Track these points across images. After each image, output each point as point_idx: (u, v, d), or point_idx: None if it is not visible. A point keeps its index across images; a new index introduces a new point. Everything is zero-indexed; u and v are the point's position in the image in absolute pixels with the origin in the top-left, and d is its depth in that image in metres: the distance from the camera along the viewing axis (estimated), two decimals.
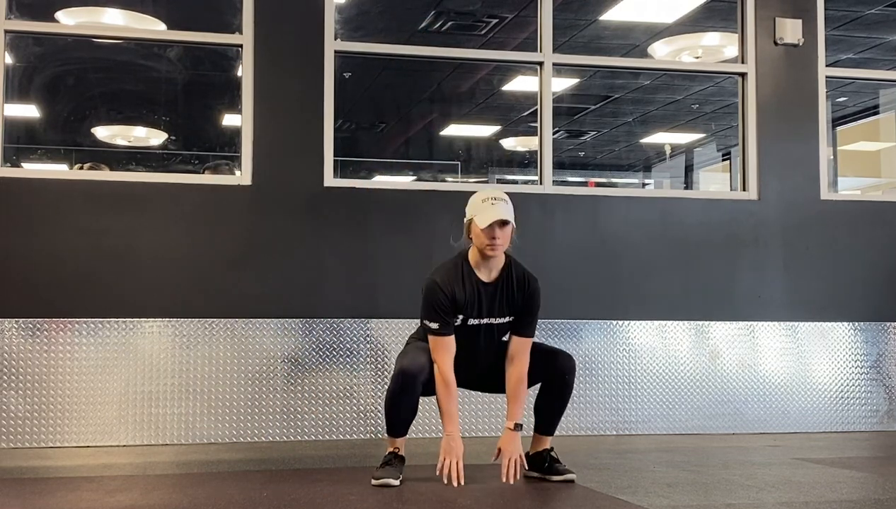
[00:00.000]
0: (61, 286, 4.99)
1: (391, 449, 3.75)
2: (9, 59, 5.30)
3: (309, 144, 5.31)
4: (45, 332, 4.92)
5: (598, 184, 11.63)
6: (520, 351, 3.73)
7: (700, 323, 5.65)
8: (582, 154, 13.00)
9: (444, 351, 3.64)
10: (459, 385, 3.73)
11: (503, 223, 3.59)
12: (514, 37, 7.80)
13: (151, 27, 6.52)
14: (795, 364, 5.72)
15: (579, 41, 8.00)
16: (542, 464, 3.81)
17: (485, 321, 3.71)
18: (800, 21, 5.89)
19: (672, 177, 13.05)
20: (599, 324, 5.53)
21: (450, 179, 11.24)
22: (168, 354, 5.03)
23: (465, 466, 3.96)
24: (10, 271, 4.95)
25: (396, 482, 3.61)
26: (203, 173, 6.50)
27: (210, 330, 5.08)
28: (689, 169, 12.75)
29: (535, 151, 5.76)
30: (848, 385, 5.76)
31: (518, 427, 3.68)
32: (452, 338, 3.66)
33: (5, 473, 4.07)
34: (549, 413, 3.83)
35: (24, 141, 9.32)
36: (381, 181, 10.17)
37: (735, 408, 5.62)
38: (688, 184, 12.76)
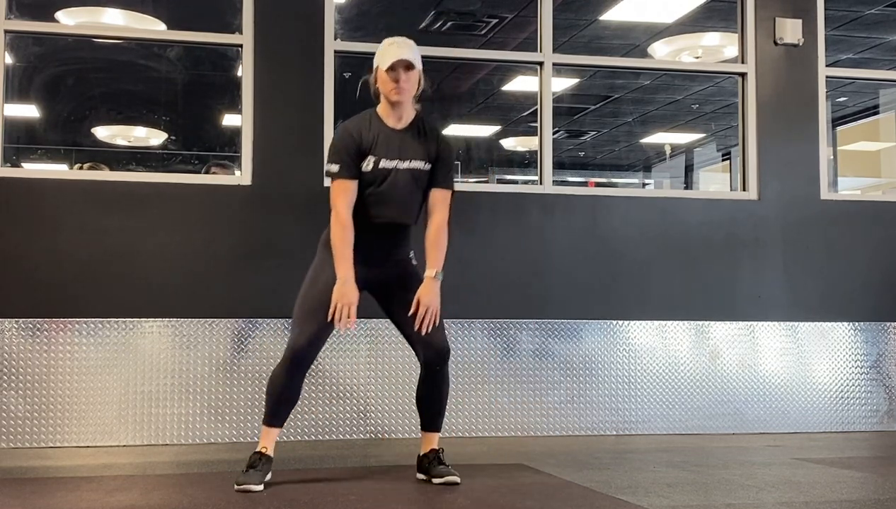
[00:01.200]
0: (61, 286, 4.99)
1: (258, 450, 3.64)
2: (9, 59, 5.30)
3: (309, 144, 5.31)
4: (45, 332, 4.92)
5: (598, 184, 11.63)
6: (438, 201, 3.70)
7: (700, 323, 5.65)
8: (582, 154, 13.00)
9: (343, 193, 3.58)
10: (374, 229, 3.65)
11: (408, 66, 3.56)
12: (514, 37, 7.80)
13: (151, 27, 6.52)
14: (795, 364, 5.72)
15: (579, 41, 8.01)
16: (425, 465, 3.74)
17: (397, 164, 3.63)
18: (800, 21, 5.89)
19: (672, 177, 13.05)
20: (599, 324, 5.53)
21: None
22: (168, 354, 5.03)
23: (466, 465, 3.97)
24: (10, 271, 4.96)
25: (259, 487, 3.50)
26: (211, 171, 6.48)
27: (210, 330, 5.08)
28: (689, 169, 12.75)
29: (535, 151, 5.76)
30: (848, 385, 5.76)
31: (438, 275, 3.65)
32: (353, 183, 3.59)
33: (5, 473, 4.07)
34: (427, 405, 3.76)
35: (24, 141, 9.32)
36: None
37: (735, 408, 5.62)
38: (688, 184, 12.76)
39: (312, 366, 5.16)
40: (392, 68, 3.55)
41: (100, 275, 5.03)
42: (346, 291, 3.53)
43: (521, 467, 4.17)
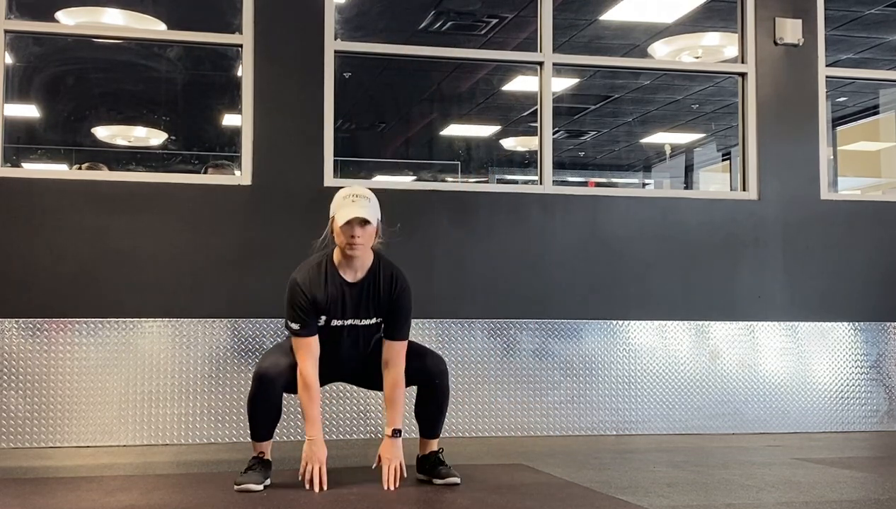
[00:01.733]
0: (61, 286, 4.99)
1: (255, 454, 3.66)
2: (9, 59, 5.30)
3: (309, 144, 5.31)
4: (45, 332, 4.92)
5: (598, 184, 11.64)
6: (393, 355, 3.61)
7: (700, 323, 5.65)
8: (582, 154, 13.00)
9: (305, 352, 3.53)
10: (332, 380, 3.71)
11: (363, 223, 3.46)
12: (514, 37, 7.80)
13: (151, 27, 6.52)
14: (795, 364, 5.72)
15: (579, 41, 8.01)
16: (426, 466, 3.74)
17: (349, 322, 3.59)
18: (800, 21, 5.89)
19: (672, 177, 13.05)
20: (599, 324, 5.53)
21: (450, 179, 11.25)
22: (168, 354, 5.03)
23: (466, 465, 3.97)
24: (10, 271, 4.96)
25: (259, 487, 3.51)
26: (207, 172, 6.49)
27: (210, 330, 5.08)
28: (689, 169, 12.76)
29: (535, 151, 5.76)
30: (848, 385, 5.76)
31: (397, 433, 3.60)
32: (314, 339, 3.54)
33: (5, 473, 4.07)
34: (427, 418, 3.73)
35: (24, 141, 9.33)
36: (381, 181, 10.18)
37: (735, 408, 5.62)
38: (688, 184, 12.76)
39: None
40: (348, 223, 3.46)
41: (100, 275, 5.03)
42: (314, 451, 3.54)
43: (521, 467, 4.17)
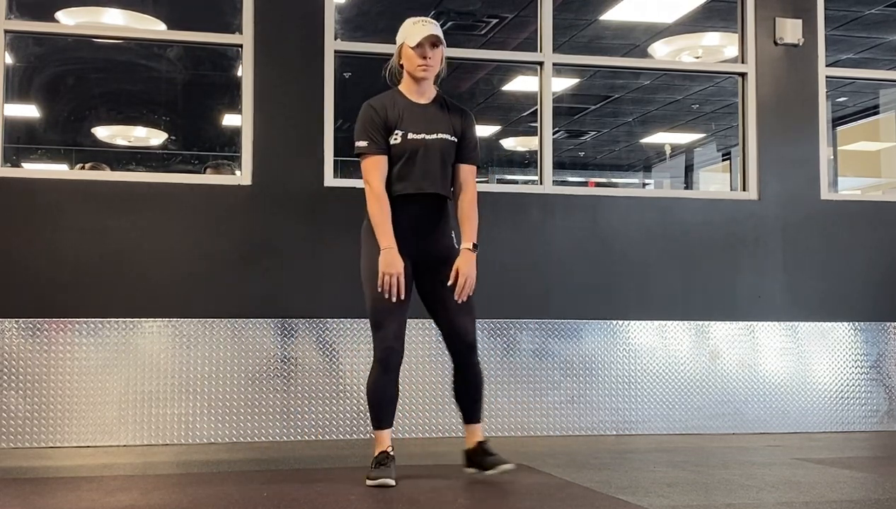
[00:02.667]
0: (61, 286, 4.99)
1: (382, 449, 3.70)
2: (9, 59, 5.30)
3: (309, 144, 5.31)
4: (45, 332, 4.92)
5: (598, 184, 11.64)
6: (468, 177, 3.78)
7: (700, 323, 5.65)
8: (582, 154, 13.01)
9: (374, 169, 3.65)
10: (413, 190, 3.68)
11: (434, 44, 3.66)
12: (514, 37, 7.80)
13: (151, 27, 6.53)
14: (795, 364, 5.72)
15: (579, 41, 8.01)
16: (475, 459, 3.77)
17: (425, 136, 3.69)
18: (800, 21, 5.89)
19: (672, 177, 13.06)
20: (599, 324, 5.53)
21: None
22: (168, 354, 5.03)
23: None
24: (10, 271, 4.96)
25: (392, 481, 3.58)
26: (206, 172, 6.50)
27: (210, 330, 5.08)
28: (689, 169, 12.76)
29: (535, 151, 5.76)
30: (848, 385, 5.76)
31: (475, 247, 3.71)
32: (382, 157, 3.66)
33: (5, 473, 4.07)
34: (463, 397, 3.82)
35: (24, 141, 9.33)
36: None
37: (735, 408, 5.62)
38: (688, 184, 12.77)
39: (313, 365, 5.18)
40: (419, 45, 3.63)
41: (100, 275, 5.03)
42: (390, 260, 3.58)
43: (521, 467, 4.17)
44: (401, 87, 3.77)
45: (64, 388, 4.91)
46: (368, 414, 3.77)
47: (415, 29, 3.67)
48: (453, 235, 3.82)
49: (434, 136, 3.70)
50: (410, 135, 3.68)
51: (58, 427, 4.88)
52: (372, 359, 3.71)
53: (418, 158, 3.68)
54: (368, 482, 3.59)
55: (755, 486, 3.68)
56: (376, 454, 3.70)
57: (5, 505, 3.30)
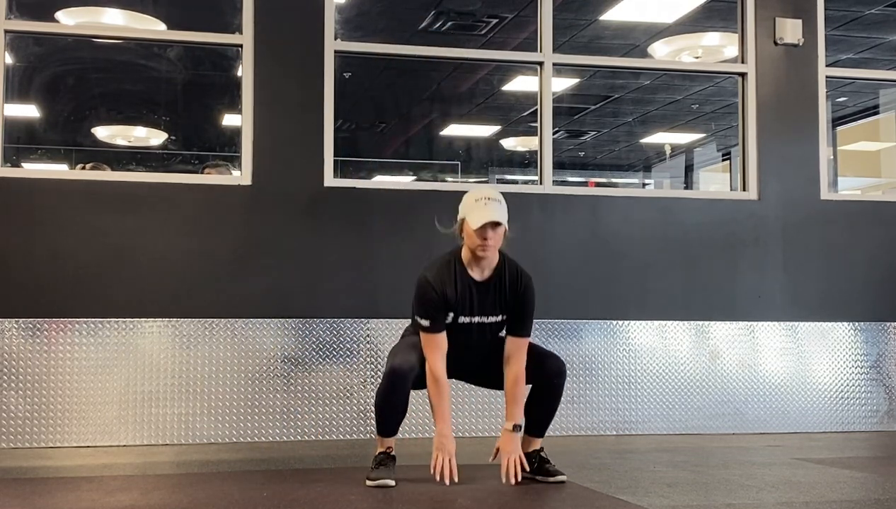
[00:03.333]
0: (61, 286, 4.99)
1: (383, 449, 3.72)
2: (9, 59, 5.30)
3: (309, 144, 5.31)
4: (45, 332, 4.92)
5: (598, 184, 11.63)
6: (515, 351, 3.70)
7: (700, 323, 5.65)
8: (582, 154, 13.01)
9: (435, 348, 3.62)
10: (453, 377, 3.73)
11: (495, 225, 3.56)
12: (514, 37, 7.80)
13: (151, 27, 6.52)
14: (795, 364, 5.72)
15: (579, 41, 8.01)
16: (531, 465, 3.77)
17: (476, 319, 3.68)
18: (800, 21, 5.89)
19: (672, 177, 13.05)
20: (599, 324, 5.53)
21: (450, 179, 11.25)
22: (168, 354, 5.03)
23: (465, 465, 3.96)
24: (10, 271, 4.96)
25: (392, 482, 3.59)
26: (204, 172, 6.49)
27: (210, 330, 5.08)
28: (689, 169, 12.76)
29: (535, 151, 5.76)
30: (848, 385, 5.76)
31: (517, 428, 3.66)
32: (443, 335, 3.64)
33: (5, 473, 4.07)
34: (538, 416, 3.79)
35: (24, 141, 9.33)
36: (381, 181, 10.17)
37: (735, 408, 5.62)
38: (688, 184, 12.76)
39: (313, 365, 5.18)
40: (482, 227, 3.54)
41: (100, 275, 5.03)
42: (444, 444, 3.61)
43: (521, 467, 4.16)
44: (462, 255, 3.69)
45: (64, 388, 4.91)
46: (374, 418, 3.76)
47: (476, 208, 3.56)
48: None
49: (484, 318, 3.70)
50: (461, 319, 3.67)
51: (58, 427, 4.88)
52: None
53: (468, 340, 3.70)
54: (368, 482, 3.60)
55: (755, 486, 3.68)
56: (377, 453, 3.72)
57: (5, 505, 3.30)
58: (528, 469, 3.69)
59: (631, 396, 5.51)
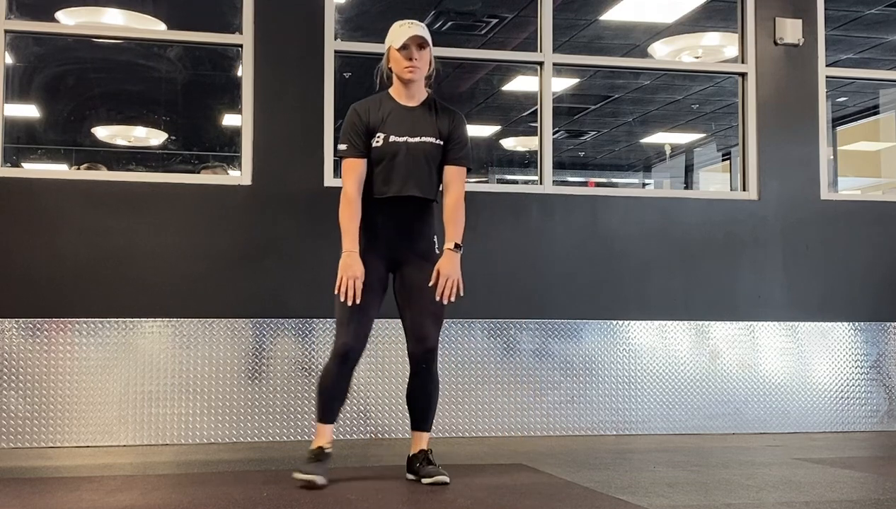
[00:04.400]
0: (61, 286, 4.99)
1: (320, 445, 3.67)
2: (9, 59, 5.30)
3: (309, 144, 5.32)
4: (45, 332, 4.92)
5: (598, 184, 11.63)
6: (453, 178, 3.73)
7: (700, 323, 5.65)
8: (582, 154, 12.99)
9: (351, 171, 3.65)
10: (394, 193, 3.67)
11: (420, 45, 3.64)
12: (514, 37, 7.79)
13: (151, 27, 6.52)
14: (795, 364, 5.72)
15: (579, 41, 8.00)
16: (415, 465, 3.74)
17: (410, 140, 3.67)
18: (800, 21, 5.90)
19: (672, 177, 13.04)
20: (599, 324, 5.53)
21: None
22: (168, 354, 5.03)
23: (466, 465, 3.97)
24: (10, 271, 4.96)
25: (323, 480, 3.54)
26: (200, 174, 6.50)
27: (210, 330, 5.08)
28: (689, 169, 12.75)
29: (535, 151, 5.76)
30: (848, 385, 5.76)
31: (457, 247, 3.66)
32: (362, 161, 3.66)
33: (5, 473, 4.07)
34: (414, 403, 3.80)
35: (24, 141, 9.32)
36: None
37: (735, 408, 5.62)
38: (688, 184, 12.75)
39: (312, 366, 5.18)
40: (405, 46, 3.62)
41: (100, 275, 5.03)
42: (350, 263, 3.58)
43: (521, 467, 4.17)
44: (391, 90, 3.76)
45: (64, 388, 4.91)
46: (315, 404, 3.75)
47: (401, 31, 3.66)
48: (435, 239, 3.79)
49: (417, 139, 3.69)
50: (392, 138, 3.67)
51: (58, 427, 4.88)
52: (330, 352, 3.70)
53: (399, 161, 3.67)
54: (296, 475, 3.54)
55: (755, 486, 3.68)
56: (313, 448, 3.67)
57: (5, 505, 3.30)
58: (461, 294, 3.67)
59: (631, 396, 5.51)
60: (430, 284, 3.62)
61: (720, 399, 5.61)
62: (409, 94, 3.73)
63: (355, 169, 3.66)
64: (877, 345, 5.82)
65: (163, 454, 4.63)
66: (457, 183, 3.74)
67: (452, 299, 3.63)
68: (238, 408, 5.05)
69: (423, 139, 3.69)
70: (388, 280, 3.75)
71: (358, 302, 3.54)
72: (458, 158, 3.76)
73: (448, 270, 3.62)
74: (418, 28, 3.67)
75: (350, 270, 3.57)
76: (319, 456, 3.64)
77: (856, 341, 5.80)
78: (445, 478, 3.64)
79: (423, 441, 3.78)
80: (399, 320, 3.80)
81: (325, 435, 3.71)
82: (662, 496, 3.46)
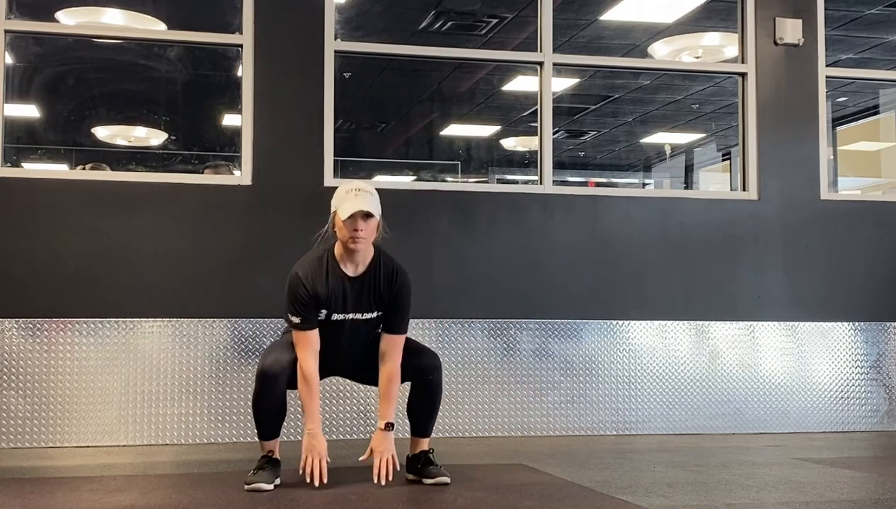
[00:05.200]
0: (61, 286, 4.99)
1: (264, 453, 3.67)
2: (9, 59, 5.30)
3: (309, 144, 5.32)
4: (45, 332, 4.92)
5: (598, 184, 11.63)
6: (390, 349, 3.64)
7: (700, 323, 5.65)
8: (582, 154, 13.00)
9: (306, 346, 3.56)
10: (331, 374, 3.71)
11: (366, 216, 3.49)
12: (514, 37, 7.80)
13: (151, 27, 6.52)
14: (795, 364, 5.72)
15: (579, 41, 8.00)
16: (416, 466, 3.74)
17: (350, 316, 3.63)
18: (800, 21, 5.90)
19: (672, 177, 13.04)
20: (599, 324, 5.53)
21: (450, 179, 11.24)
22: (168, 354, 5.03)
23: (466, 465, 3.97)
24: (10, 271, 4.96)
25: (269, 487, 3.53)
26: (203, 173, 6.50)
27: (210, 330, 5.08)
28: (689, 169, 12.75)
29: (535, 151, 5.76)
30: (848, 385, 5.76)
31: (389, 426, 3.61)
32: (315, 332, 3.58)
33: (5, 473, 4.07)
34: (419, 414, 3.75)
35: (24, 141, 9.31)
36: (381, 181, 10.17)
37: (735, 408, 5.62)
38: (688, 184, 12.76)
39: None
40: (351, 217, 3.48)
41: (100, 275, 5.03)
42: (314, 444, 3.57)
43: (521, 467, 4.17)
44: (335, 252, 3.62)
45: (64, 388, 4.91)
46: (254, 423, 3.72)
47: (346, 199, 3.50)
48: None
49: (359, 315, 3.63)
50: (334, 317, 3.61)
51: (58, 427, 4.88)
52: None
53: (343, 337, 3.65)
54: (245, 486, 3.53)
55: (755, 486, 3.68)
56: (259, 457, 3.68)
57: (5, 505, 3.30)
58: (397, 468, 3.62)
59: (631, 396, 5.51)
60: (361, 459, 3.63)
61: (720, 399, 5.61)
62: (354, 262, 3.60)
63: (310, 342, 3.57)
64: (877, 345, 5.82)
65: (163, 454, 4.63)
66: (394, 353, 3.64)
67: (390, 478, 3.56)
68: (238, 408, 5.05)
69: (365, 316, 3.64)
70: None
71: (325, 481, 3.52)
72: (396, 328, 3.66)
73: (382, 449, 3.60)
74: (365, 198, 3.50)
75: (314, 451, 3.56)
76: (264, 464, 3.64)
77: (856, 341, 5.80)
78: (447, 479, 3.64)
79: (423, 443, 3.78)
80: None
81: (271, 445, 3.72)
82: (662, 496, 3.46)
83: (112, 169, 6.81)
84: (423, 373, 3.69)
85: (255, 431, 3.71)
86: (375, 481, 3.54)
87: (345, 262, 3.61)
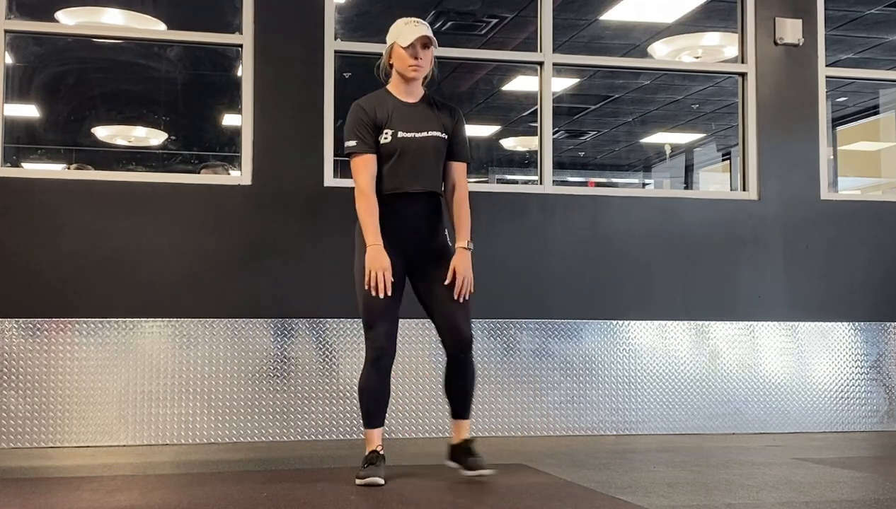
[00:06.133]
0: (61, 286, 4.99)
1: (373, 449, 3.72)
2: (9, 59, 5.30)
3: (309, 144, 5.32)
4: (45, 332, 4.92)
5: (598, 184, 11.64)
6: (458, 175, 3.82)
7: (700, 323, 5.65)
8: (582, 154, 13.00)
9: (363, 168, 3.66)
10: (403, 189, 3.70)
11: (425, 45, 3.68)
12: (514, 37, 7.80)
13: (151, 27, 6.52)
14: (795, 364, 5.72)
15: (579, 41, 8.01)
16: (458, 455, 3.79)
17: (415, 134, 3.71)
18: (800, 21, 5.90)
19: (672, 177, 13.05)
20: (599, 324, 5.53)
21: None
22: (168, 354, 5.03)
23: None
24: (10, 271, 4.96)
25: (382, 481, 3.58)
26: (200, 173, 6.50)
27: (210, 330, 5.08)
28: (689, 169, 12.75)
29: (535, 151, 5.76)
30: (848, 385, 5.76)
31: (469, 245, 3.74)
32: (371, 156, 3.67)
33: (5, 473, 4.08)
34: (454, 392, 3.82)
35: (24, 141, 9.32)
36: None
37: (735, 408, 5.62)
38: (688, 184, 12.76)
39: (313, 365, 5.18)
40: (411, 45, 3.65)
41: (100, 275, 5.03)
42: (376, 256, 3.59)
43: (521, 467, 4.17)
44: (389, 87, 3.79)
45: (64, 388, 4.91)
46: (360, 411, 3.78)
47: (406, 29, 3.69)
48: (447, 233, 3.84)
49: (425, 134, 3.73)
50: (401, 134, 3.70)
51: (58, 427, 4.88)
52: (364, 358, 3.72)
53: (409, 156, 3.70)
54: (358, 481, 3.59)
55: (755, 486, 3.68)
56: (367, 453, 3.72)
57: (5, 505, 3.30)
58: (473, 292, 3.73)
59: (631, 396, 5.51)
60: (447, 282, 3.68)
61: (720, 399, 5.61)
62: (409, 90, 3.77)
63: (367, 165, 3.67)
64: (877, 345, 5.82)
65: (163, 454, 4.63)
66: (462, 179, 3.83)
67: (466, 297, 3.69)
68: (238, 408, 5.05)
69: (431, 134, 3.73)
70: (405, 279, 3.76)
71: (389, 293, 3.56)
72: (462, 154, 3.84)
73: (463, 269, 3.70)
74: (424, 28, 3.71)
75: (377, 262, 3.58)
76: (374, 459, 3.67)
77: (856, 341, 5.80)
78: (488, 470, 3.70)
79: (464, 429, 3.82)
80: (405, 321, 3.81)
81: (374, 440, 3.74)
82: (662, 496, 3.46)
83: (112, 169, 6.82)
84: (454, 351, 3.75)
85: (362, 421, 3.76)
86: (456, 297, 3.66)
87: (401, 93, 3.76)
